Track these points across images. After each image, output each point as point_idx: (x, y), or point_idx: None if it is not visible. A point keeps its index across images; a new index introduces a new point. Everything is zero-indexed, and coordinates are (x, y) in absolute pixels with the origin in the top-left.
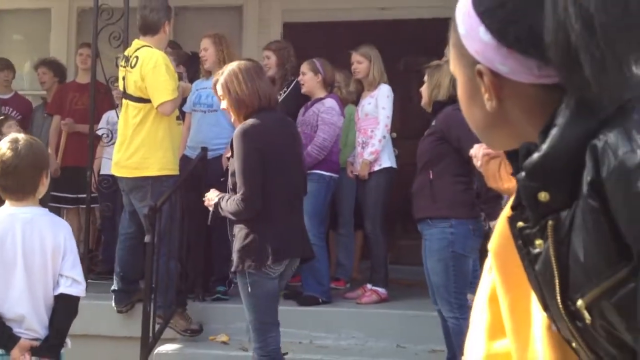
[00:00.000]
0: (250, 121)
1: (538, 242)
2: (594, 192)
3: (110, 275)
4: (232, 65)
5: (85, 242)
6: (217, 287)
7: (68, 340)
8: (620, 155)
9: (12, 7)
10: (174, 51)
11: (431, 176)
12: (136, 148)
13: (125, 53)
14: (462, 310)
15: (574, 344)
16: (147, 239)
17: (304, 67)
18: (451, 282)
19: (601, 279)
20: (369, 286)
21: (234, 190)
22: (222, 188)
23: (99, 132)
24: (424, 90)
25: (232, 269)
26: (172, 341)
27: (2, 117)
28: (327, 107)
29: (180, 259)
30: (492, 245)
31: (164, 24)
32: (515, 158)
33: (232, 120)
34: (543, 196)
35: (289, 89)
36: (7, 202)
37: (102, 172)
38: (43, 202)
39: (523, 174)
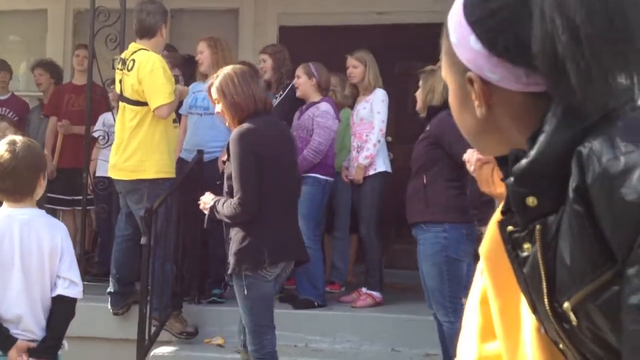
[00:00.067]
0: (246, 125)
1: (526, 245)
2: (579, 197)
3: (106, 277)
4: (227, 69)
5: (81, 243)
6: (212, 290)
7: (65, 342)
8: (604, 162)
9: (8, 8)
10: (169, 54)
11: (425, 181)
12: (133, 151)
13: (122, 56)
14: (457, 314)
15: (561, 345)
16: (143, 241)
17: (299, 70)
18: (446, 286)
19: (586, 281)
20: (363, 290)
21: (230, 194)
22: (219, 191)
23: (95, 134)
24: (419, 94)
25: (229, 272)
26: (168, 344)
27: None
28: (322, 111)
29: (176, 261)
30: (483, 249)
31: (161, 28)
32: (505, 163)
33: (227, 123)
34: (531, 201)
35: (285, 93)
36: (4, 204)
37: (97, 174)
38: (39, 204)
39: (512, 179)
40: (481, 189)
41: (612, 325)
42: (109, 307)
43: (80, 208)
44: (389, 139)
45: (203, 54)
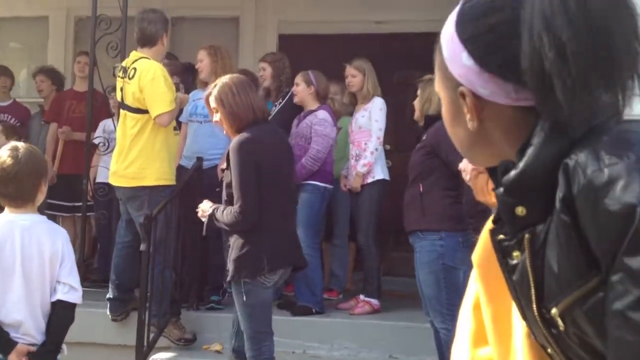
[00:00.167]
0: (245, 134)
1: (516, 254)
2: (565, 207)
3: (105, 283)
4: (225, 79)
5: (80, 250)
6: (211, 297)
7: (64, 347)
8: (589, 174)
9: (10, 15)
10: (170, 62)
11: (421, 189)
12: (134, 158)
13: (123, 64)
14: (454, 321)
15: (549, 350)
16: (142, 247)
17: (298, 78)
18: (443, 294)
19: (573, 288)
20: (361, 297)
21: (229, 202)
22: (218, 198)
23: (96, 141)
24: (416, 104)
25: (228, 278)
26: (166, 350)
27: None
28: (320, 119)
29: (175, 268)
30: (475, 256)
31: (162, 36)
32: (495, 174)
33: (225, 132)
34: (520, 211)
35: (284, 101)
36: (6, 209)
37: (98, 180)
38: (39, 210)
39: (501, 189)
40: (477, 198)
41: (598, 331)
42: (108, 313)
43: (80, 214)
44: (388, 147)
45: (203, 62)
